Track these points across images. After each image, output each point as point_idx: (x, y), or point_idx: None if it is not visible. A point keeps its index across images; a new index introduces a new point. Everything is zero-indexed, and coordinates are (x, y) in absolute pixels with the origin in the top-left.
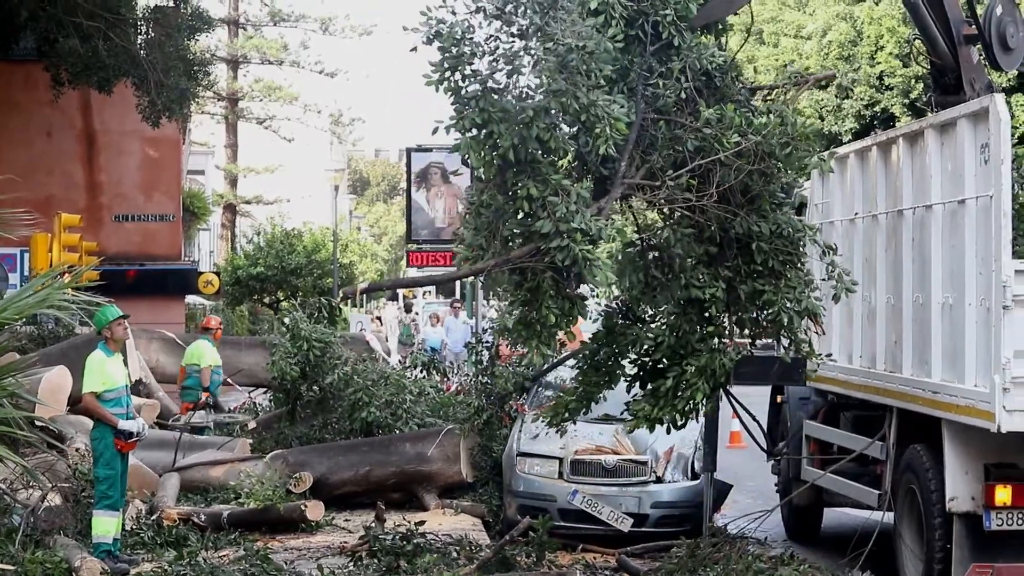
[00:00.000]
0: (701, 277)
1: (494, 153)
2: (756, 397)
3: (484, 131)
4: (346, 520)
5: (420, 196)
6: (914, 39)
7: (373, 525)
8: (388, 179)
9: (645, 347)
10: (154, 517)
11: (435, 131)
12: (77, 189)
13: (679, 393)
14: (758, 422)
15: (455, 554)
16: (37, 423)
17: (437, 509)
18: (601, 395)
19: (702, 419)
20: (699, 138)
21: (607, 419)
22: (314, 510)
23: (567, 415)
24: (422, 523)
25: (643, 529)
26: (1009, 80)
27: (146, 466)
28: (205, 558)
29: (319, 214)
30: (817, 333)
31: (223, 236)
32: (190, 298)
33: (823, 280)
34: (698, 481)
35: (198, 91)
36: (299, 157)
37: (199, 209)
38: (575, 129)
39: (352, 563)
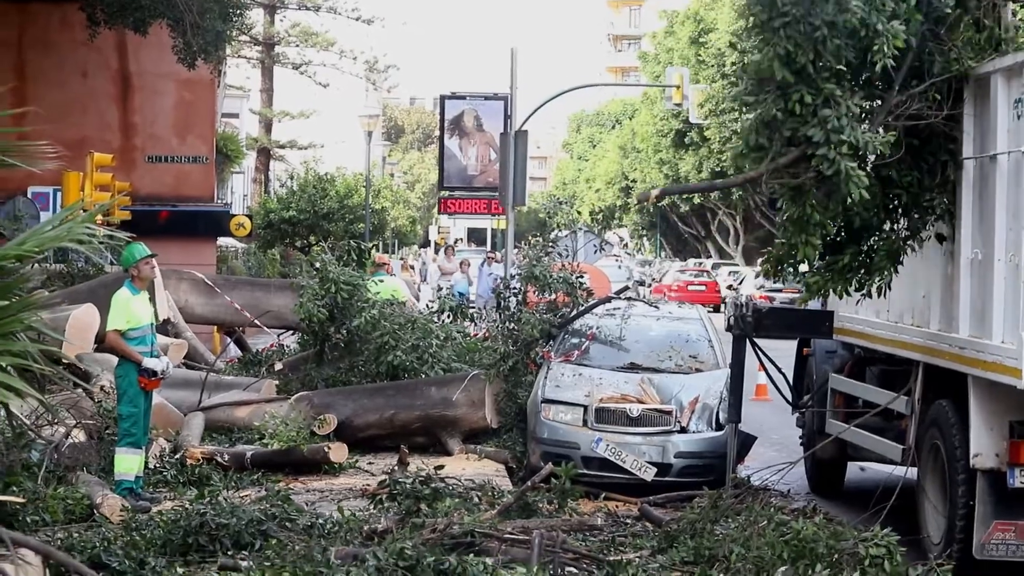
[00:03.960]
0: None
1: (774, 53)
2: (782, 351)
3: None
4: (369, 463)
5: (453, 143)
6: None
7: (395, 468)
8: (423, 127)
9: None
10: (178, 456)
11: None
12: (111, 130)
13: (854, 267)
14: (784, 375)
15: (476, 499)
16: (64, 360)
17: (461, 454)
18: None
19: (727, 370)
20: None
21: (633, 368)
22: (337, 452)
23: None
24: (441, 467)
25: (666, 479)
26: None
27: (171, 405)
28: (226, 497)
29: (353, 160)
30: None
31: (256, 180)
32: (222, 240)
33: None
34: (722, 432)
35: (234, 34)
36: (334, 103)
37: (233, 152)
38: (853, 42)
39: (373, 506)
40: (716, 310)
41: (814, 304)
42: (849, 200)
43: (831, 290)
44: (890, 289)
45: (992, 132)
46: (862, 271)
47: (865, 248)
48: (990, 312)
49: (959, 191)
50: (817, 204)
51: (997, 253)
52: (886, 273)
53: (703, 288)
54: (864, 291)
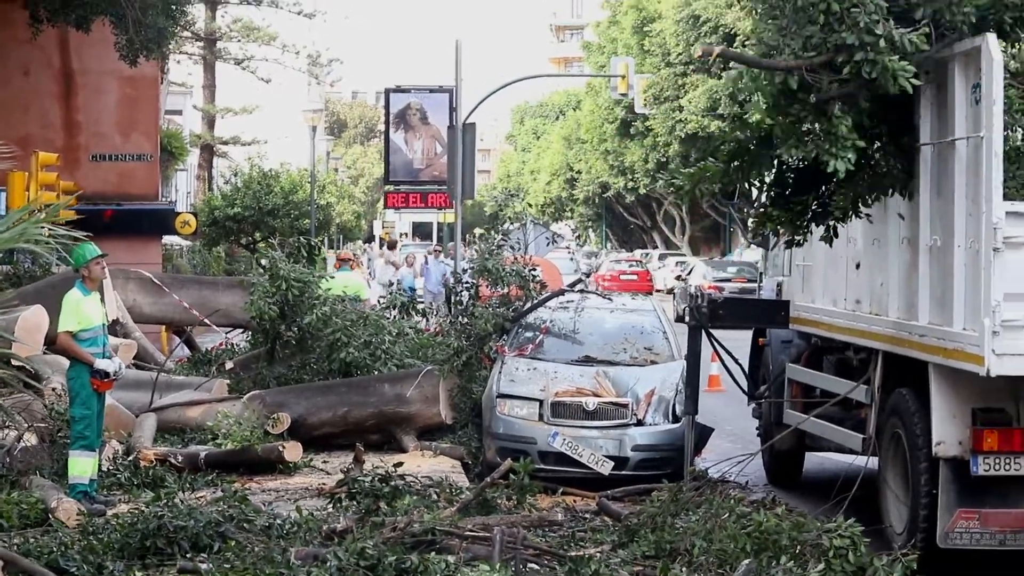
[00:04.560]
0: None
1: None
2: (738, 340)
3: None
4: (324, 461)
5: (398, 137)
6: None
7: (352, 467)
8: (365, 121)
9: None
10: (131, 458)
11: None
12: (54, 128)
13: (811, 210)
14: (740, 365)
15: (435, 496)
16: (13, 362)
17: (416, 451)
18: None
19: (683, 362)
20: None
21: (588, 361)
22: (292, 451)
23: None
24: (400, 464)
25: (623, 472)
26: None
27: (122, 406)
28: (183, 499)
29: (296, 155)
30: None
31: (200, 177)
32: (167, 238)
33: None
34: (679, 424)
35: (176, 30)
36: (276, 98)
37: (177, 149)
38: None
39: (332, 505)
40: (648, 295)
41: (768, 294)
42: (896, 90)
43: (782, 228)
44: (836, 236)
45: (950, 117)
46: (817, 217)
47: (826, 192)
48: (951, 299)
49: (917, 177)
50: (844, 117)
51: (957, 240)
52: (838, 212)
53: (635, 277)
54: (803, 234)
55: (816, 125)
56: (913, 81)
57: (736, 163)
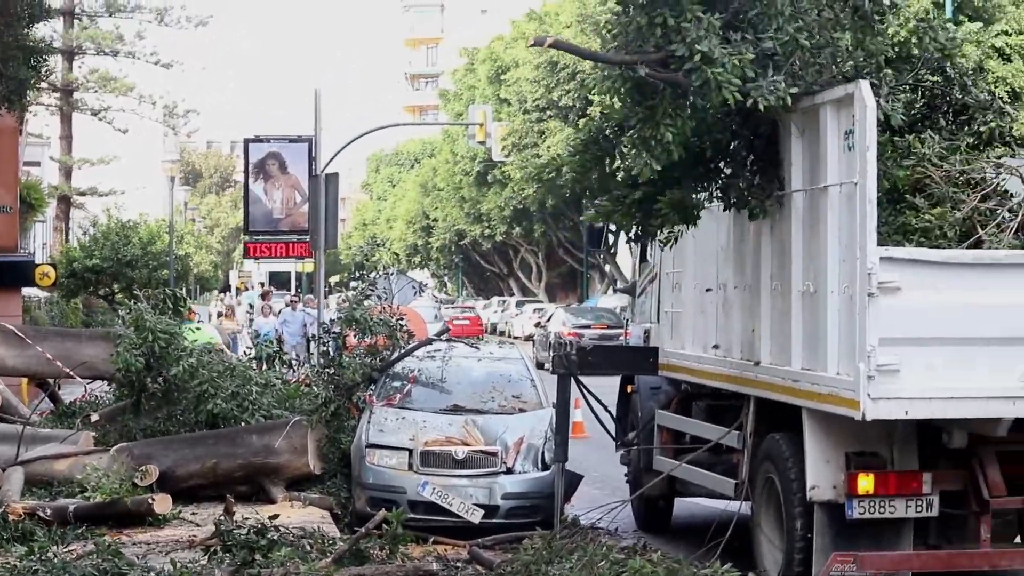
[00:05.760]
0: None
1: None
2: (605, 387)
3: None
4: (193, 513)
5: (257, 187)
6: None
7: (222, 518)
8: (220, 170)
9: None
10: None
11: None
12: None
13: (642, 207)
14: (609, 411)
15: (308, 547)
16: None
17: (285, 502)
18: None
19: (551, 409)
20: None
21: (456, 410)
22: (161, 503)
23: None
24: (275, 516)
25: (494, 520)
26: None
27: None
28: (56, 553)
29: (154, 206)
30: None
31: (58, 228)
32: (26, 290)
33: None
34: (548, 472)
35: (36, 81)
36: (133, 149)
37: (36, 201)
38: None
39: (206, 558)
40: (479, 339)
41: (636, 341)
42: (717, 105)
43: (614, 222)
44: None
45: (823, 163)
46: (649, 215)
47: (667, 198)
48: (824, 344)
49: (789, 222)
50: (671, 124)
51: (831, 285)
52: (671, 226)
53: (467, 322)
54: (637, 234)
55: (644, 128)
56: (737, 96)
57: (588, 154)
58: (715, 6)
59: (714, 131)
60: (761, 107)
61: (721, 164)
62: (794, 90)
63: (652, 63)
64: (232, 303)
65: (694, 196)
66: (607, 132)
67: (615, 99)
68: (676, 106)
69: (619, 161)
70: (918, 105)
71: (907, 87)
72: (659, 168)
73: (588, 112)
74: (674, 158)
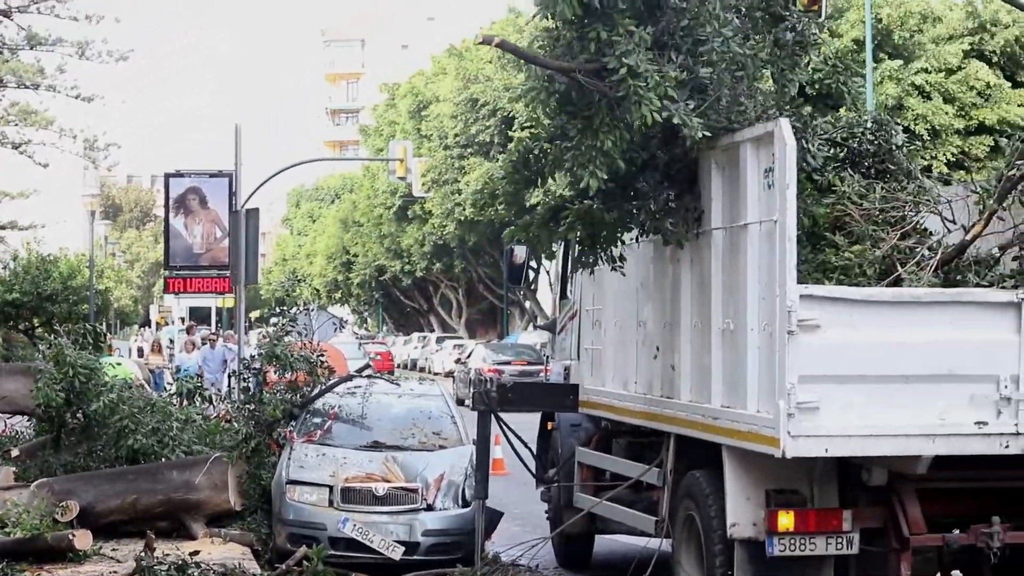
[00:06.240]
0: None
1: None
2: (525, 424)
3: None
4: (114, 549)
5: (178, 222)
6: None
7: (143, 554)
8: (140, 205)
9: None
10: None
11: None
12: None
13: (549, 224)
14: (529, 448)
15: None
16: None
17: (205, 538)
18: None
19: (471, 446)
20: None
21: (377, 446)
22: (82, 539)
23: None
24: (196, 552)
25: (415, 557)
26: None
27: None
28: None
29: (74, 240)
30: None
31: None
32: None
33: None
34: (469, 509)
35: None
36: (54, 182)
37: None
38: None
39: None
40: (391, 374)
41: (556, 378)
42: (639, 123)
43: (530, 236)
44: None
45: (743, 201)
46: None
47: (575, 208)
48: (744, 382)
49: (708, 262)
50: (609, 134)
51: (750, 323)
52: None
53: (379, 357)
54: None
55: (583, 139)
56: (656, 116)
57: (519, 176)
58: (646, 21)
59: (636, 150)
60: (688, 135)
61: (639, 186)
62: (718, 124)
63: (587, 72)
64: (158, 338)
65: (605, 214)
66: (535, 152)
67: (542, 112)
68: (612, 117)
69: (549, 182)
70: (837, 141)
71: (828, 125)
72: (605, 178)
73: (508, 148)
74: (618, 168)
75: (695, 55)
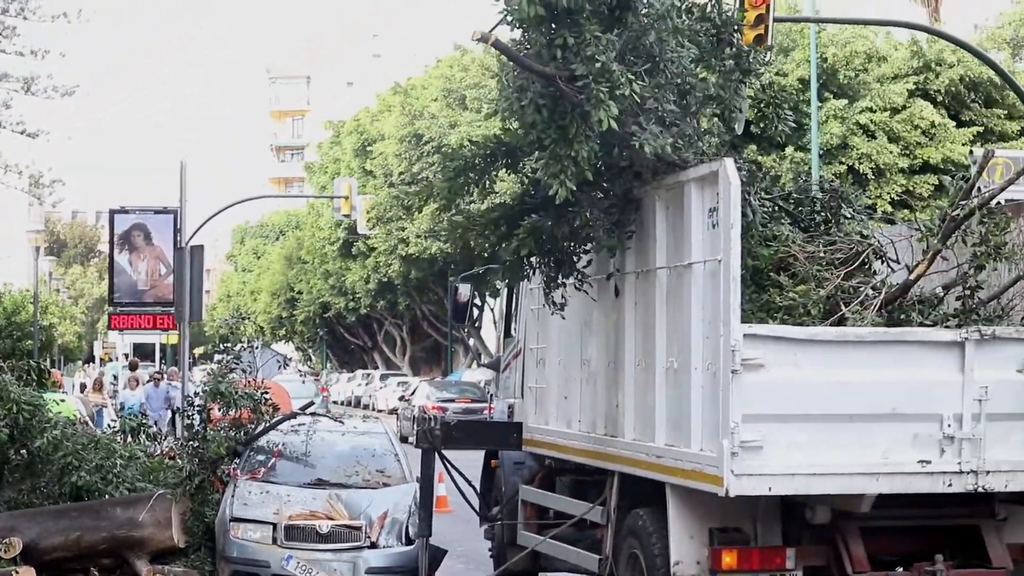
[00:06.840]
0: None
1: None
2: (470, 461)
3: None
4: None
5: (123, 258)
6: None
7: None
8: (85, 241)
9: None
10: None
11: None
12: None
13: (496, 229)
14: (473, 486)
15: None
16: None
17: (149, 575)
18: None
19: (415, 483)
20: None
21: (320, 484)
22: None
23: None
24: None
25: None
26: None
27: None
28: None
29: (18, 276)
30: None
31: None
32: None
33: None
34: (413, 546)
35: None
36: None
37: None
38: None
39: None
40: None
41: (500, 416)
42: (599, 126)
43: (468, 240)
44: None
45: (687, 240)
46: (503, 238)
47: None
48: (688, 421)
49: (652, 300)
50: (584, 143)
51: (694, 362)
52: (524, 248)
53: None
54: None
55: (558, 147)
56: (612, 123)
57: (460, 180)
58: (611, 30)
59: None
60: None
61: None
62: (668, 157)
63: (564, 79)
64: (99, 375)
65: (556, 229)
66: (477, 161)
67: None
68: (586, 126)
69: (487, 186)
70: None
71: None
72: (573, 188)
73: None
74: (586, 177)
75: (652, 73)
